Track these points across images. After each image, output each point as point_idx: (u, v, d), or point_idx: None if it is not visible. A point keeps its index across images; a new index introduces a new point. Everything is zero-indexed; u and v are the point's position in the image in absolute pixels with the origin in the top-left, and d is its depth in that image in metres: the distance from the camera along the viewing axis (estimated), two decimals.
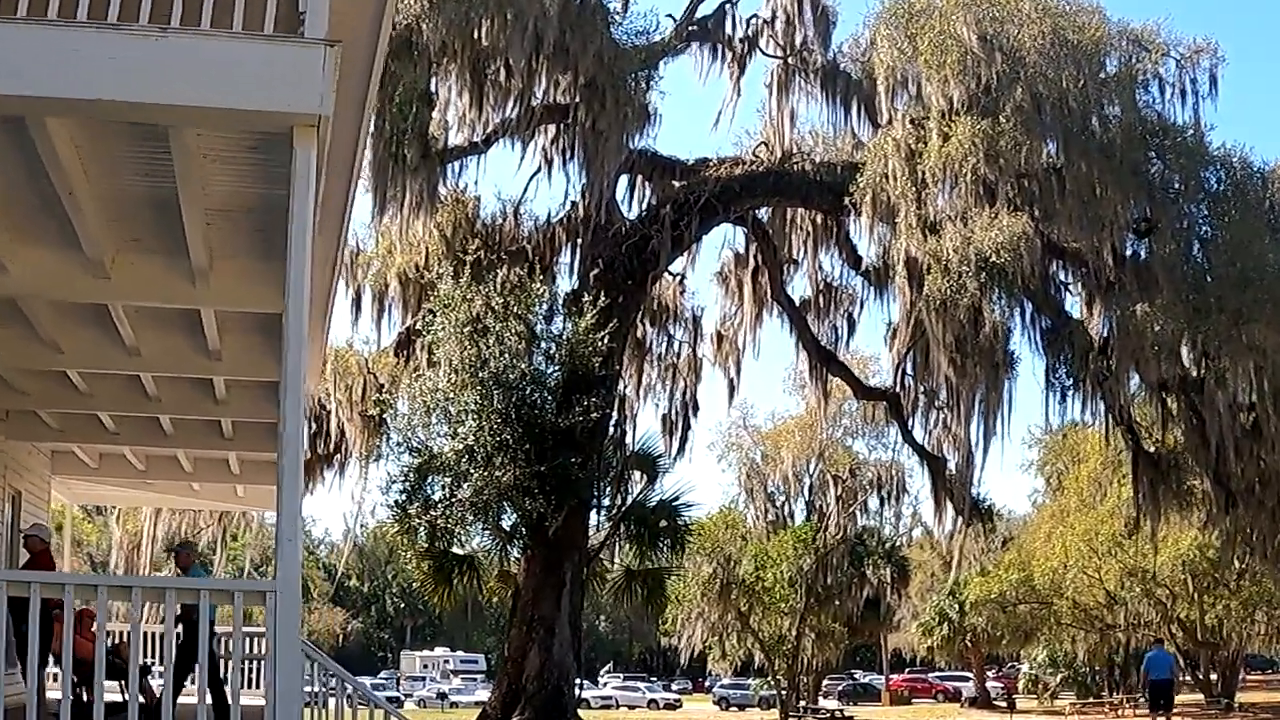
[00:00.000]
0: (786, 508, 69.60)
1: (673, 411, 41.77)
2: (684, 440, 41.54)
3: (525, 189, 37.40)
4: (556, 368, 31.72)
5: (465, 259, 32.67)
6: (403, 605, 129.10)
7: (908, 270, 28.61)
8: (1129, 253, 33.28)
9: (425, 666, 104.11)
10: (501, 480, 30.35)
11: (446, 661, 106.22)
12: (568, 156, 35.39)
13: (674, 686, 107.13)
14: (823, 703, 74.63)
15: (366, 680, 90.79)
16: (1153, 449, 36.11)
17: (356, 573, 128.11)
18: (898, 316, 35.01)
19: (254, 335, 16.46)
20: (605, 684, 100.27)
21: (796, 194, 35.69)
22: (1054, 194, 30.16)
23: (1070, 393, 33.19)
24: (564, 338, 31.78)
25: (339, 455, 37.98)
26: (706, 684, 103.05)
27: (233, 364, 17.61)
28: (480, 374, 30.88)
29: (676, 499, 34.56)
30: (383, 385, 35.63)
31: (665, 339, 41.82)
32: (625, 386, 39.13)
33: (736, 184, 35.38)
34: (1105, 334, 32.53)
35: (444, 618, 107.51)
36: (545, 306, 32.10)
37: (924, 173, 28.66)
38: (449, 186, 35.81)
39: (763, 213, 38.48)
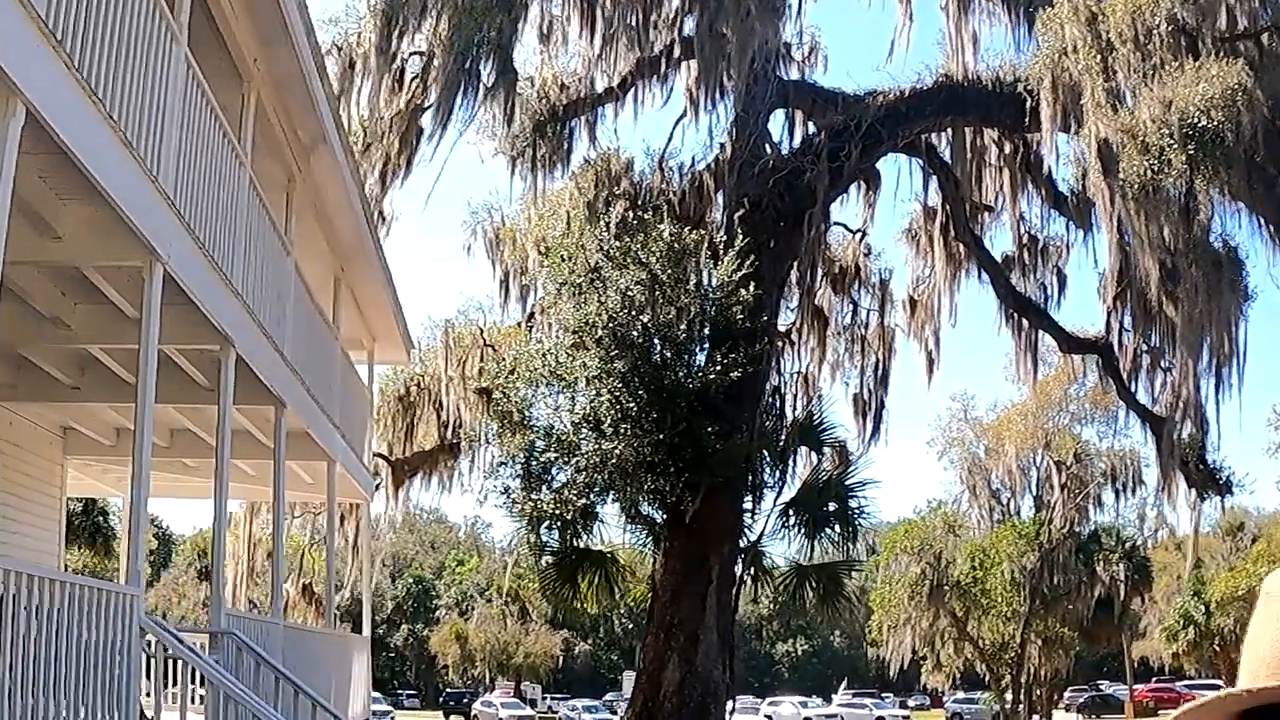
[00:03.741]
0: (1012, 504, 62.99)
1: (863, 389, 36.56)
2: (878, 420, 36.18)
3: (670, 137, 32.58)
4: (690, 321, 26.44)
5: (599, 214, 28.00)
6: (631, 626, 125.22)
7: (1101, 162, 22.54)
8: None
9: None
10: (621, 455, 25.31)
11: None
12: (715, 93, 30.67)
13: (910, 702, 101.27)
14: (1058, 716, 68.02)
15: (581, 702, 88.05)
16: None
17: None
18: (1106, 248, 28.78)
19: None
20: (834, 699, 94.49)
21: (972, 109, 29.66)
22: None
23: None
24: (698, 285, 26.50)
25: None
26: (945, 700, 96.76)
27: None
28: (598, 332, 25.94)
29: (848, 478, 28.97)
30: (503, 359, 30.81)
31: (850, 307, 36.68)
32: (804, 360, 34.89)
33: (903, 105, 29.66)
34: None
35: None
36: (670, 248, 26.72)
37: (1108, 34, 22.46)
38: (598, 146, 32.19)
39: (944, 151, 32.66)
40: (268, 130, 15.90)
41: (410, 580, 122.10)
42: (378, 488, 36.20)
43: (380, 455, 35.73)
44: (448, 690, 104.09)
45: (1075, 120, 23.53)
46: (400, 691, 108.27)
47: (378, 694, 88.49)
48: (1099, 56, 22.58)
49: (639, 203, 31.30)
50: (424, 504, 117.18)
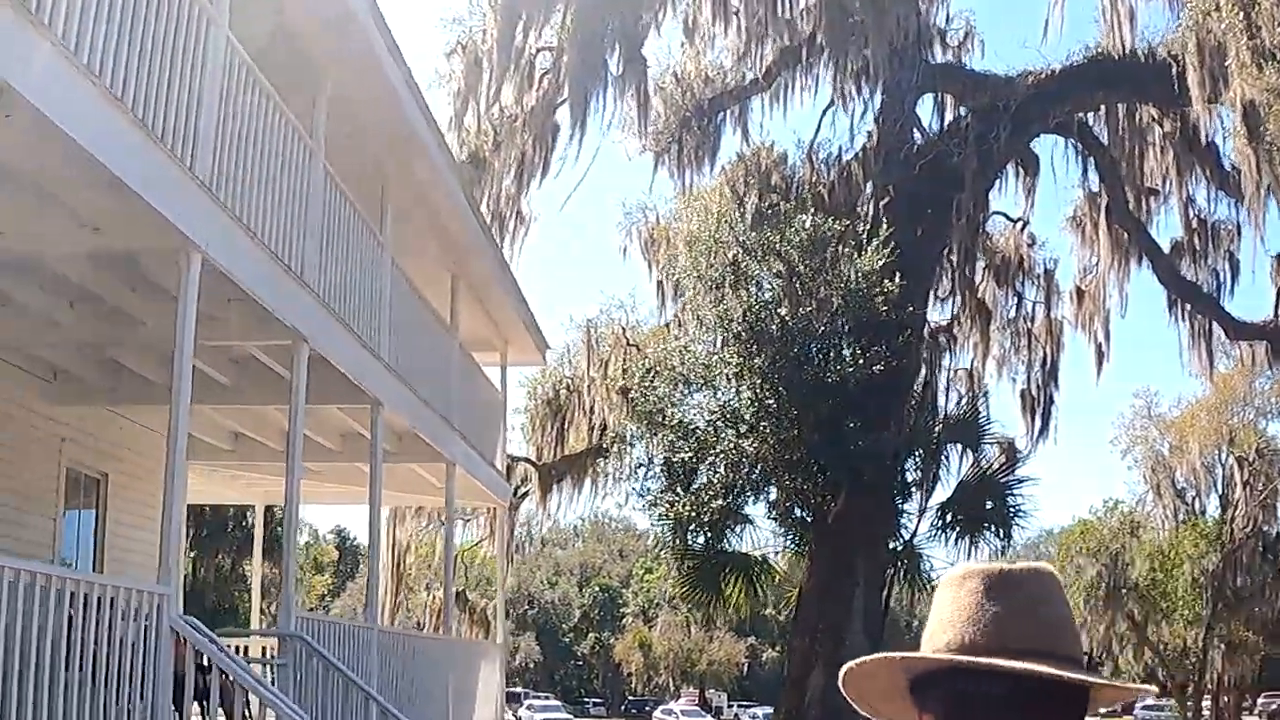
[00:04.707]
0: (1198, 504, 60.50)
1: (1030, 384, 35.22)
2: (1046, 418, 34.84)
3: (818, 127, 31.59)
4: (832, 313, 25.53)
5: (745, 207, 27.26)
6: None
7: (1246, 126, 21.11)
8: None
9: None
10: (760, 453, 24.53)
11: None
12: (860, 80, 29.71)
13: (1101, 710, 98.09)
14: None
15: (762, 710, 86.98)
16: None
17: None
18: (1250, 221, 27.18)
19: None
20: None
21: (1123, 83, 28.17)
22: None
23: None
24: (839, 277, 25.56)
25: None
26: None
27: None
28: (736, 328, 25.20)
29: (1006, 476, 27.75)
30: (645, 359, 30.15)
31: (1014, 299, 35.34)
32: (963, 354, 33.91)
33: (1052, 84, 28.30)
34: None
35: None
36: (810, 239, 25.81)
37: None
38: (749, 140, 31.38)
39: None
40: (344, 123, 15.39)
41: (597, 589, 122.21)
42: (526, 494, 35.81)
43: (527, 460, 35.31)
44: (630, 698, 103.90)
45: (1223, 83, 22.15)
46: (586, 700, 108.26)
47: (554, 700, 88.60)
48: (1242, 14, 21.19)
49: (789, 196, 30.40)
50: (611, 512, 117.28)
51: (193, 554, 56.48)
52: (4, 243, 11.25)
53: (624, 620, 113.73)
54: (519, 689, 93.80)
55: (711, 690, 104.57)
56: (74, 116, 8.94)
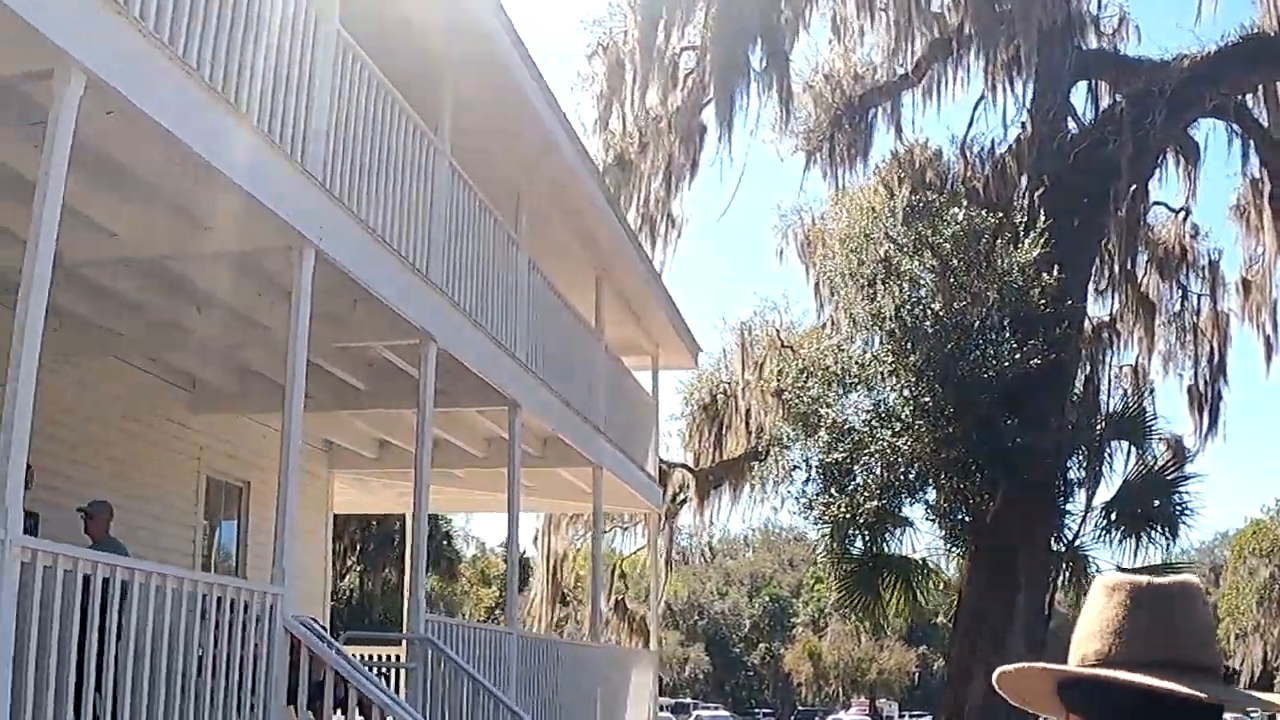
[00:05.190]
0: None
1: (1198, 380, 34.16)
2: (1215, 414, 33.78)
3: (971, 120, 30.89)
4: (987, 308, 24.85)
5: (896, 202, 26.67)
6: None
7: None
8: None
9: None
10: (915, 452, 23.94)
11: None
12: (1011, 70, 29.02)
13: None
14: None
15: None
16: None
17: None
18: None
19: None
20: None
21: None
22: None
23: None
24: (993, 270, 24.88)
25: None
26: None
27: None
28: (889, 325, 24.66)
29: (1172, 473, 26.80)
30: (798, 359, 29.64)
31: (1179, 292, 34.31)
32: (1125, 349, 32.83)
33: (1207, 65, 27.28)
34: None
35: None
36: (962, 232, 25.14)
37: None
38: (903, 137, 30.87)
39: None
40: (471, 121, 15.18)
41: (767, 598, 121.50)
42: (684, 501, 35.46)
43: (684, 466, 34.95)
44: (799, 708, 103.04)
45: None
46: (756, 710, 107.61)
47: (723, 710, 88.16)
48: None
49: (944, 192, 29.74)
50: (781, 521, 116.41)
51: (359, 567, 56.92)
52: (120, 245, 11.18)
53: (794, 630, 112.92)
54: (688, 699, 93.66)
55: (882, 699, 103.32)
56: (177, 111, 8.80)
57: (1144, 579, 2.45)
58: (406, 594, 26.94)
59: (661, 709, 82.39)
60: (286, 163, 10.30)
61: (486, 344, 15.38)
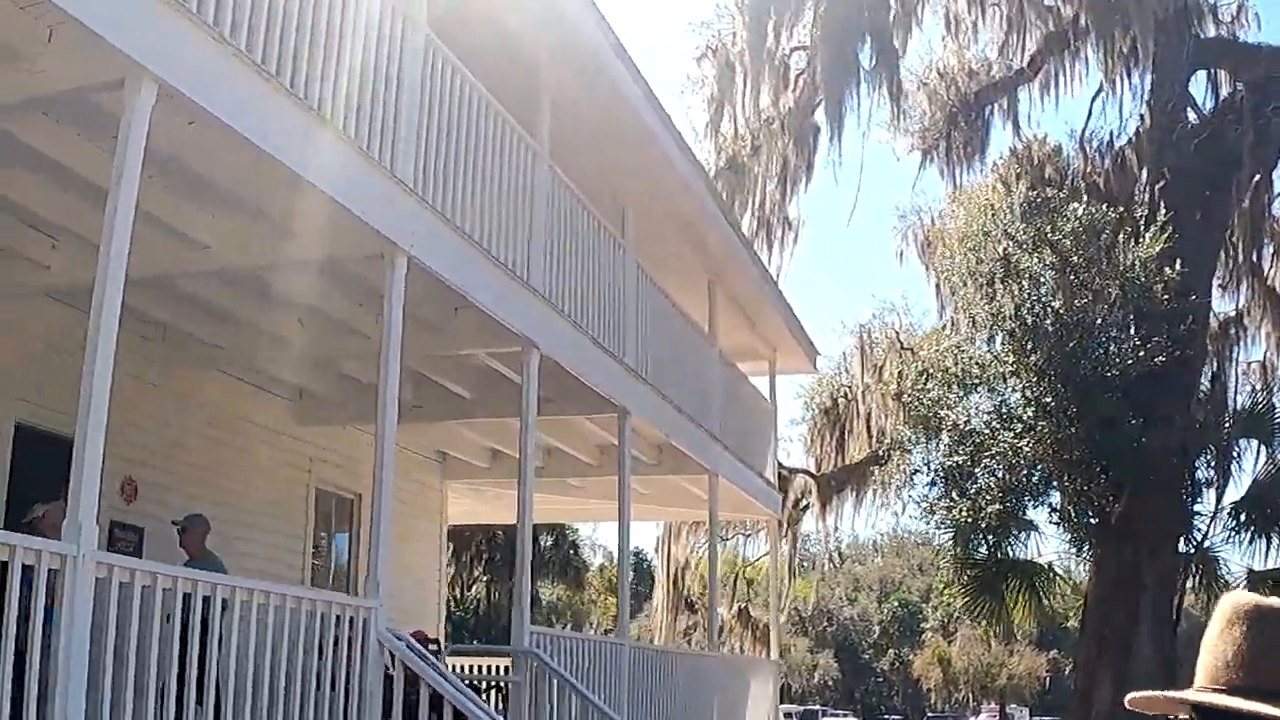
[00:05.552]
0: None
1: None
2: None
3: (1089, 113, 30.21)
4: (1109, 304, 24.27)
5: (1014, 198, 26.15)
6: None
7: None
8: None
9: None
10: (1037, 453, 23.42)
11: None
12: (1129, 62, 28.40)
13: None
14: None
15: None
16: None
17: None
18: None
19: None
20: None
21: None
22: None
23: None
24: (1114, 266, 24.29)
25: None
26: None
27: None
28: (1008, 324, 24.16)
29: None
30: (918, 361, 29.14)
31: None
32: (1254, 344, 31.59)
33: None
34: None
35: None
36: (1082, 227, 24.57)
37: None
38: (1021, 132, 30.24)
39: None
40: (571, 126, 14.95)
41: (896, 604, 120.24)
42: (807, 507, 35.03)
43: (805, 471, 34.54)
44: (929, 714, 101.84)
45: None
46: (886, 716, 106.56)
47: (852, 717, 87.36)
48: None
49: (1064, 188, 29.13)
50: (910, 527, 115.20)
51: (486, 578, 56.95)
52: (213, 257, 11.10)
53: (923, 635, 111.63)
54: (816, 706, 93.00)
55: (1012, 705, 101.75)
56: (258, 120, 8.69)
57: (1269, 601, 2.32)
58: (514, 604, 27.03)
59: (788, 716, 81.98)
60: (374, 169, 10.13)
61: (592, 349, 15.16)
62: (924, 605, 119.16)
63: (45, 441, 11.90)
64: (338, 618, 9.52)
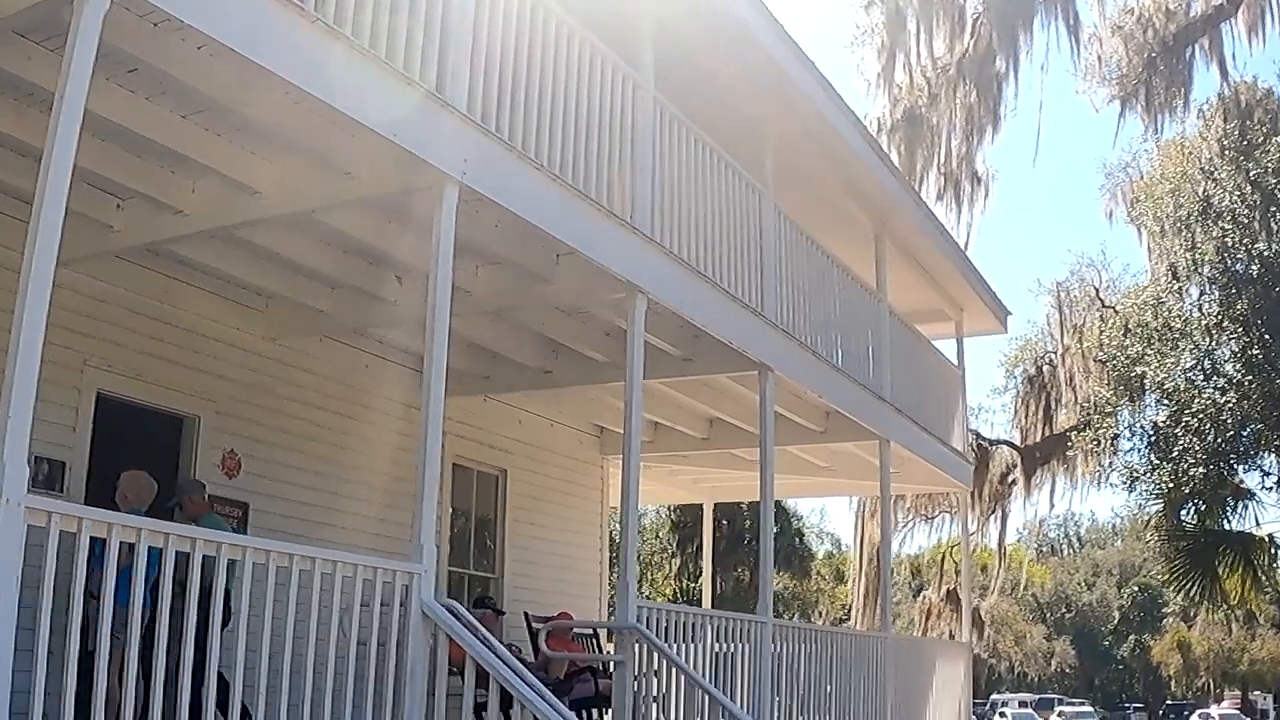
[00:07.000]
0: None
1: None
2: None
3: None
4: None
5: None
6: None
7: None
8: None
9: None
10: (1246, 412, 21.61)
11: None
12: None
13: None
14: None
15: None
16: None
17: None
18: None
19: None
20: None
21: None
22: None
23: None
24: None
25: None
26: None
27: None
28: (1210, 271, 22.38)
29: None
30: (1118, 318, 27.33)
31: None
32: None
33: None
34: None
35: None
36: None
37: None
38: (1230, 77, 27.97)
39: None
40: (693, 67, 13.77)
41: (1136, 589, 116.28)
42: (1014, 481, 33.34)
43: (1007, 443, 32.82)
44: (1167, 702, 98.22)
45: None
46: (1126, 705, 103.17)
47: (1087, 706, 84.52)
48: None
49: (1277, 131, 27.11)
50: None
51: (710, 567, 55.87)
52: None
53: (1164, 621, 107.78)
54: (1052, 695, 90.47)
55: (1255, 693, 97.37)
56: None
57: None
58: (708, 594, 25.90)
59: (1023, 704, 79.34)
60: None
61: (722, 299, 13.89)
62: (1165, 590, 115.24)
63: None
64: (382, 584, 8.52)
